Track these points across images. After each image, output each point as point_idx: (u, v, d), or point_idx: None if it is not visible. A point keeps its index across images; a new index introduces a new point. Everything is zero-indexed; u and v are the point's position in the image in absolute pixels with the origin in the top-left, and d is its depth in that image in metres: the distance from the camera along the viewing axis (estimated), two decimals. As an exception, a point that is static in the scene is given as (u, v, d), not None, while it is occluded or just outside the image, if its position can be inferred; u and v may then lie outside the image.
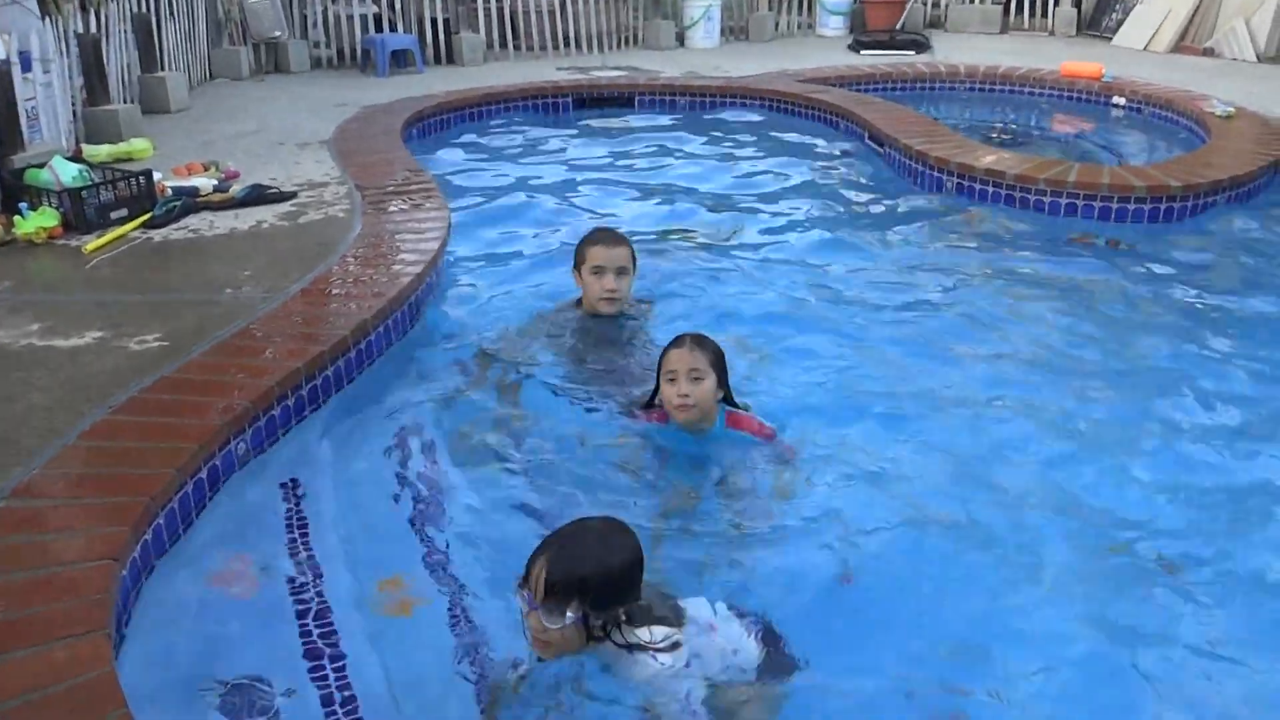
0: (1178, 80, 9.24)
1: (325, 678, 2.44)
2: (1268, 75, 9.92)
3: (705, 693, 2.26)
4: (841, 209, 6.37)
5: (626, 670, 2.24)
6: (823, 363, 4.14)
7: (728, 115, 8.78)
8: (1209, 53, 11.16)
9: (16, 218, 4.88)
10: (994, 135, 8.40)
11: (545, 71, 10.21)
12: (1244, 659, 2.59)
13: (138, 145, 6.59)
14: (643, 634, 2.23)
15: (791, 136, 8.08)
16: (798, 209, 6.34)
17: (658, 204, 6.41)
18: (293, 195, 5.64)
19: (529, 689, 2.36)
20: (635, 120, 8.62)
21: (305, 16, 10.76)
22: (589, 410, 3.63)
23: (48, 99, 6.28)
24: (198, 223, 5.18)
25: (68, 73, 6.83)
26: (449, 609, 2.75)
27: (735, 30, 12.86)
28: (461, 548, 2.99)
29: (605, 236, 4.02)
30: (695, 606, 2.45)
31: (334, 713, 2.35)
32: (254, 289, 4.20)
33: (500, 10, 11.42)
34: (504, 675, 2.44)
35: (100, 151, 6.33)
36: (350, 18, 10.80)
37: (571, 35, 11.66)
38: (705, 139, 8.02)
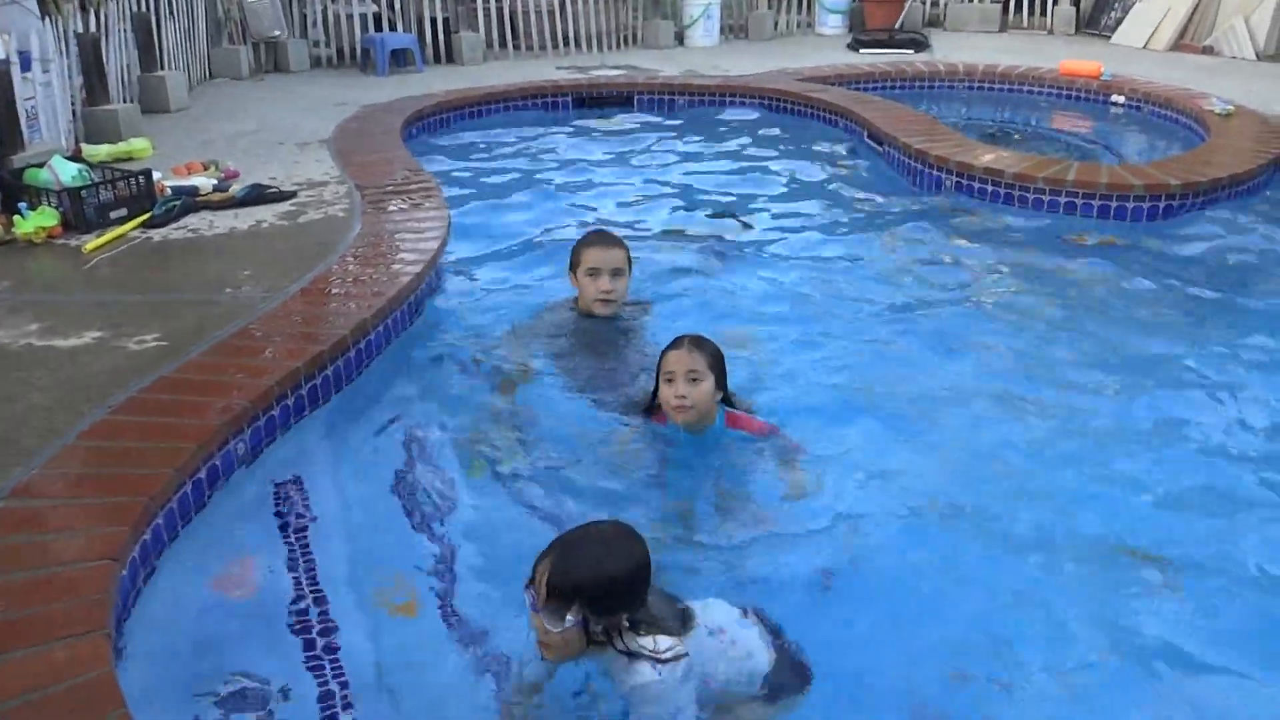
0: (1177, 78, 9.24)
1: (324, 677, 2.45)
2: (1267, 73, 9.92)
3: (696, 709, 2.25)
4: (840, 208, 6.37)
5: (624, 676, 2.23)
6: (822, 362, 4.14)
7: (727, 114, 8.77)
8: (1208, 51, 11.16)
9: (16, 217, 4.88)
10: (993, 134, 8.40)
11: (545, 71, 10.21)
12: (1246, 662, 2.58)
13: (137, 145, 6.59)
14: (646, 642, 2.22)
15: (790, 135, 8.08)
16: (797, 208, 6.34)
17: (656, 203, 6.41)
18: (292, 195, 5.64)
19: (544, 705, 2.36)
20: (634, 120, 8.62)
21: (305, 16, 10.76)
22: (587, 411, 3.63)
23: (47, 99, 6.28)
24: (197, 222, 5.18)
25: (67, 72, 6.83)
26: (449, 608, 2.75)
27: (734, 29, 12.86)
28: (461, 547, 3.00)
29: (601, 238, 4.02)
30: (713, 609, 2.44)
31: (333, 713, 2.35)
32: (253, 288, 4.21)
33: (500, 10, 11.42)
34: (517, 682, 2.43)
35: (100, 151, 6.33)
36: (350, 17, 10.80)
37: (571, 35, 11.66)
38: (704, 138, 8.02)
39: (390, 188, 5.75)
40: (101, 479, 2.80)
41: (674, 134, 8.10)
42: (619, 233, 4.47)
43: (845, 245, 5.65)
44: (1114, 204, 5.89)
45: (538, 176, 6.92)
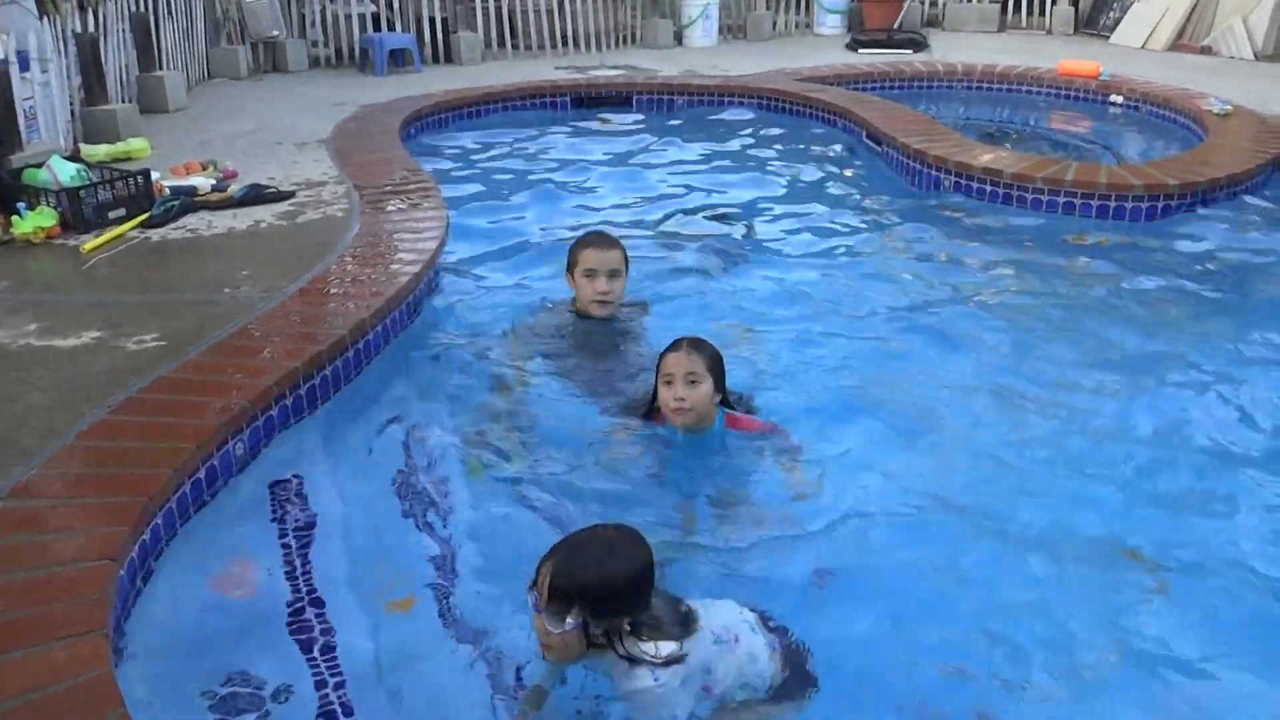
0: (1175, 78, 9.25)
1: (323, 677, 2.45)
2: (1265, 73, 9.93)
3: (694, 712, 2.25)
4: (839, 208, 6.37)
5: (623, 681, 2.23)
6: (822, 361, 4.15)
7: (726, 114, 8.77)
8: (1206, 51, 11.17)
9: (14, 217, 4.88)
10: (992, 134, 8.40)
11: (543, 71, 10.21)
12: (1245, 663, 2.58)
13: (136, 145, 6.59)
14: (647, 646, 2.21)
15: (789, 136, 8.08)
16: (795, 208, 6.34)
17: (655, 203, 6.41)
18: (291, 195, 5.64)
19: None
20: (633, 119, 8.62)
21: (303, 16, 10.75)
22: (585, 412, 3.63)
23: (45, 99, 6.28)
24: (196, 222, 5.18)
25: (65, 72, 6.83)
26: (448, 607, 2.75)
27: (733, 29, 12.86)
28: (460, 547, 3.00)
29: (597, 239, 4.02)
30: (720, 611, 2.43)
31: (331, 713, 2.36)
32: (252, 289, 4.20)
33: (498, 9, 11.41)
34: (526, 693, 2.43)
35: (98, 151, 6.33)
36: (348, 17, 10.80)
37: (570, 34, 11.65)
38: (703, 138, 8.02)
39: (389, 188, 5.75)
40: (101, 479, 2.80)
41: (673, 134, 8.10)
42: (617, 233, 4.47)
43: (843, 245, 5.66)
44: (1113, 204, 5.90)
45: (536, 176, 6.92)
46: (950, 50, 11.29)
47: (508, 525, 3.11)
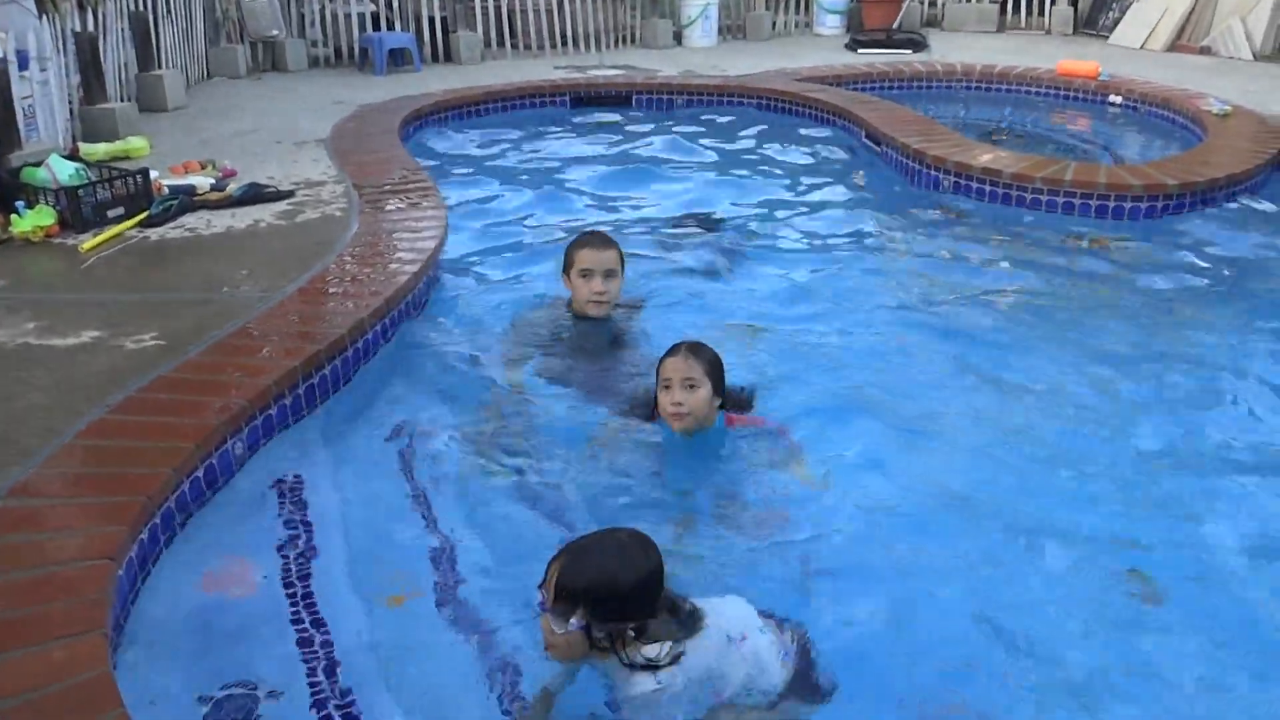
0: (1174, 79, 9.25)
1: (322, 675, 2.44)
2: (1264, 73, 9.93)
3: (701, 713, 2.24)
4: (838, 208, 6.37)
5: (624, 685, 2.23)
6: (821, 360, 4.15)
7: (725, 114, 8.77)
8: (1205, 51, 11.17)
9: (13, 216, 4.88)
10: (991, 134, 8.41)
11: (543, 70, 10.20)
12: (1244, 667, 2.58)
13: (135, 144, 6.59)
14: (649, 650, 2.21)
15: (788, 135, 8.08)
16: (794, 208, 6.34)
17: (653, 203, 6.41)
18: (290, 194, 5.63)
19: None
20: (632, 119, 8.62)
21: (303, 15, 10.74)
22: (581, 412, 3.63)
23: (44, 97, 6.28)
24: (195, 221, 5.17)
25: (65, 71, 6.82)
26: (447, 606, 2.75)
27: (732, 29, 12.85)
28: (459, 546, 3.00)
29: (593, 239, 4.01)
30: (732, 612, 2.41)
31: (329, 712, 2.35)
32: (251, 288, 4.20)
33: (498, 9, 11.41)
34: (538, 691, 2.43)
35: (97, 150, 6.33)
36: (348, 16, 10.79)
37: (569, 34, 11.65)
38: (702, 138, 8.01)
39: (388, 187, 5.75)
40: (100, 478, 2.80)
41: (672, 134, 8.09)
42: (615, 232, 4.47)
43: (842, 245, 5.66)
44: (1111, 204, 5.90)
45: (535, 176, 6.92)
46: (949, 50, 11.29)
47: (507, 524, 3.11)
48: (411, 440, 3.51)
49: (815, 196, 6.56)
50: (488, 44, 11.31)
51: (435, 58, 10.95)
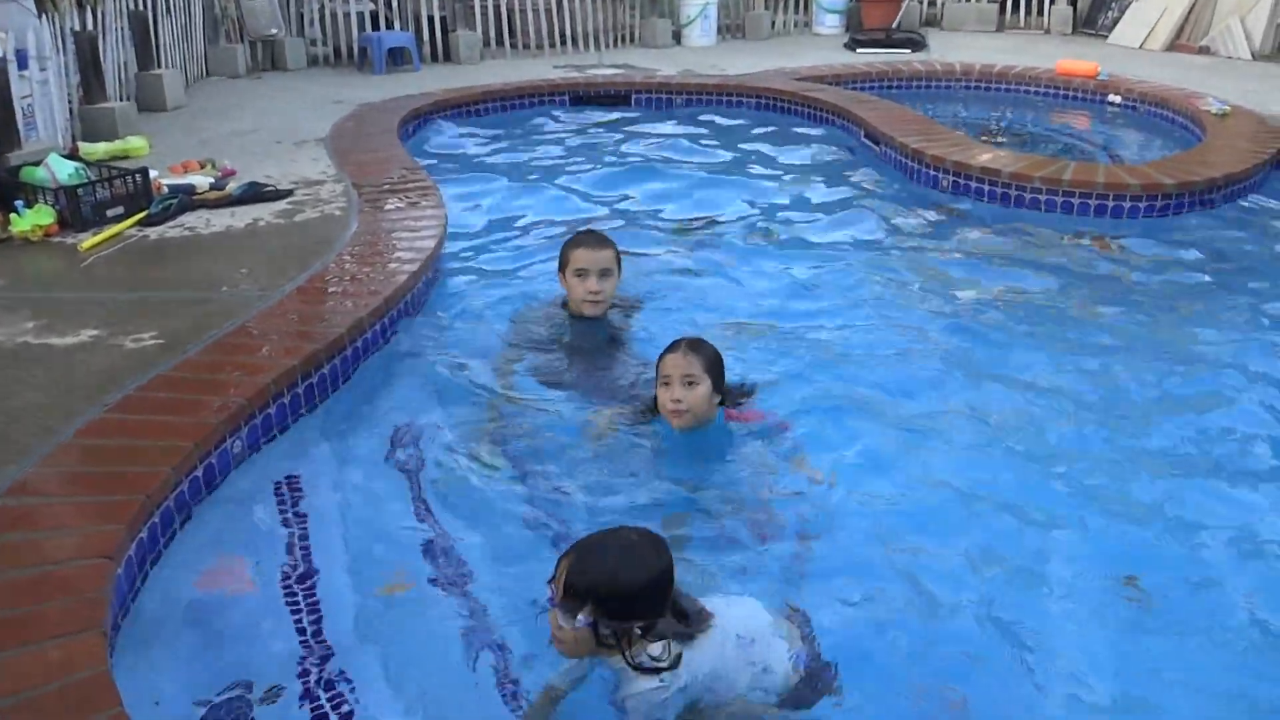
0: (1173, 78, 9.25)
1: (321, 675, 2.45)
2: (1263, 73, 9.93)
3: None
4: (837, 208, 6.36)
5: (626, 684, 2.23)
6: (819, 359, 4.15)
7: (724, 113, 8.77)
8: (1204, 51, 11.17)
9: (13, 215, 4.88)
10: (990, 134, 8.41)
11: (542, 70, 10.20)
12: (1248, 685, 2.57)
13: (134, 143, 6.59)
14: (654, 649, 2.21)
15: (787, 135, 8.08)
16: (793, 207, 6.34)
17: (652, 202, 6.40)
18: (289, 193, 5.64)
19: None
20: (631, 118, 8.62)
21: (302, 14, 10.74)
22: (579, 411, 3.63)
23: (44, 96, 6.27)
24: (194, 221, 5.17)
25: (64, 70, 6.82)
26: (447, 605, 2.75)
27: (732, 28, 12.85)
28: (457, 544, 3.00)
29: (589, 239, 4.00)
30: (742, 612, 2.41)
31: (326, 711, 2.36)
32: (250, 287, 4.20)
33: (497, 8, 11.41)
34: (539, 688, 2.43)
35: (96, 149, 6.33)
36: (347, 15, 10.78)
37: (568, 33, 11.65)
38: (701, 138, 8.02)
39: (387, 186, 5.75)
40: (98, 477, 2.80)
41: (671, 133, 8.10)
42: (613, 231, 4.47)
43: (841, 244, 5.65)
44: (1110, 203, 5.91)
45: (534, 175, 6.92)
46: (948, 50, 11.29)
47: (506, 522, 3.11)
48: (410, 439, 3.51)
49: (814, 196, 6.56)
50: (487, 43, 11.30)
51: (434, 57, 10.95)
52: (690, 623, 2.28)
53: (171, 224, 5.10)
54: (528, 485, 3.28)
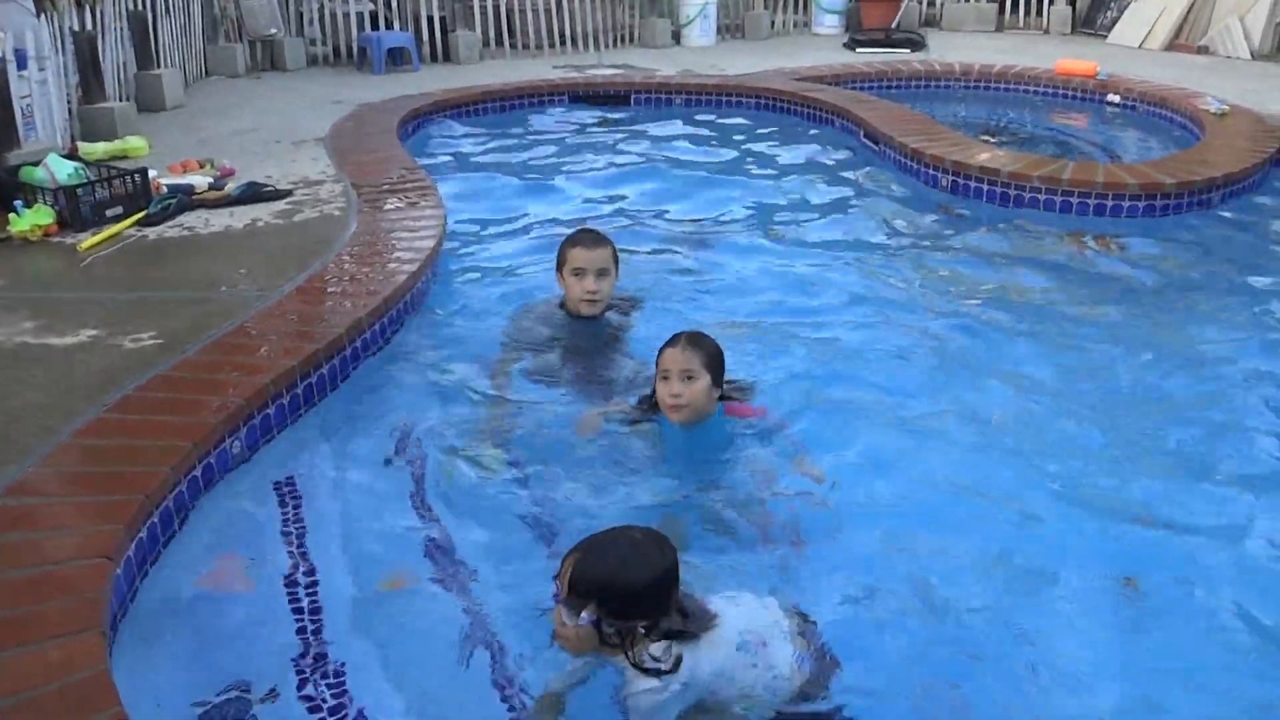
0: (1172, 78, 9.26)
1: (320, 674, 2.45)
2: (1262, 73, 9.93)
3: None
4: (836, 207, 6.37)
5: (628, 682, 2.23)
6: (818, 357, 4.15)
7: (723, 114, 8.77)
8: (1203, 50, 11.18)
9: (12, 215, 4.88)
10: (989, 133, 8.41)
11: (541, 70, 10.20)
12: (1249, 685, 2.57)
13: (133, 143, 6.59)
14: (655, 649, 2.21)
15: (787, 135, 8.08)
16: (792, 207, 6.34)
17: (651, 202, 6.40)
18: (288, 193, 5.64)
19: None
20: (631, 118, 8.62)
21: (301, 14, 10.74)
22: (577, 409, 3.63)
23: (43, 96, 6.27)
24: (193, 220, 5.17)
25: (63, 70, 6.82)
26: (447, 604, 2.75)
27: (731, 28, 12.86)
28: (456, 543, 3.00)
29: (586, 238, 3.99)
30: (751, 613, 2.40)
31: (326, 710, 2.36)
32: (249, 287, 4.20)
33: (497, 8, 11.41)
34: (539, 689, 2.43)
35: (96, 149, 6.33)
36: (346, 15, 10.78)
37: (568, 33, 11.65)
38: (701, 137, 8.02)
39: (386, 186, 5.75)
40: (97, 477, 2.80)
41: (670, 133, 8.10)
42: (612, 231, 4.47)
43: (840, 244, 5.65)
44: (1109, 203, 5.91)
45: (534, 175, 6.92)
46: (948, 50, 11.30)
47: (503, 519, 3.11)
48: (409, 439, 3.51)
49: (813, 196, 6.56)
50: (486, 43, 11.30)
51: (434, 57, 10.95)
52: (694, 623, 2.28)
53: (170, 224, 5.11)
54: (526, 484, 3.28)
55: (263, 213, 5.30)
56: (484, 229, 5.83)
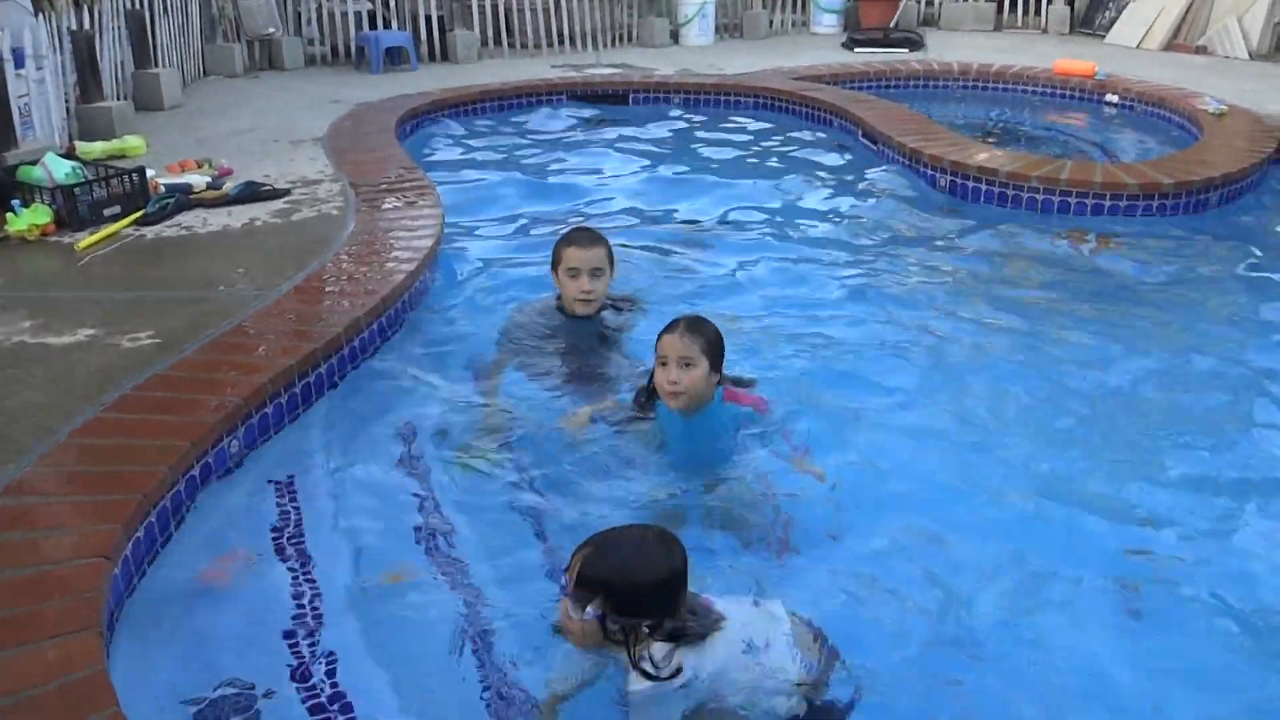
0: (1170, 78, 9.26)
1: (319, 674, 2.45)
2: (1260, 73, 9.94)
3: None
4: (835, 207, 6.37)
5: (629, 681, 2.23)
6: (817, 357, 4.15)
7: (722, 113, 8.78)
8: (1201, 50, 11.18)
9: (9, 215, 4.88)
10: (988, 133, 8.41)
11: (540, 69, 10.20)
12: (1249, 685, 2.57)
13: (131, 142, 6.58)
14: (656, 651, 2.21)
15: (785, 134, 8.08)
16: (791, 207, 6.34)
17: (650, 201, 6.40)
18: (286, 193, 5.63)
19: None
20: (629, 118, 8.61)
21: (299, 13, 10.74)
22: (574, 407, 3.63)
23: (41, 96, 6.27)
24: (191, 220, 5.17)
25: (61, 69, 6.81)
26: (445, 603, 2.74)
27: (729, 28, 12.86)
28: (455, 542, 3.00)
29: (581, 237, 3.98)
30: (758, 616, 2.39)
31: (325, 711, 2.35)
32: (247, 286, 4.20)
33: (495, 7, 11.40)
34: (540, 689, 2.43)
35: (93, 148, 6.32)
36: (344, 15, 10.78)
37: (566, 32, 11.65)
38: (699, 137, 8.02)
39: (384, 186, 5.74)
40: (95, 476, 2.79)
41: (668, 132, 8.10)
42: (610, 230, 4.47)
43: (838, 243, 5.65)
44: (1108, 203, 5.91)
45: (532, 174, 6.92)
46: (946, 49, 11.30)
47: (502, 518, 3.11)
48: (407, 438, 3.51)
49: (811, 195, 6.56)
50: (484, 43, 11.30)
51: (432, 56, 10.95)
52: (699, 623, 2.27)
53: (168, 223, 5.10)
54: (522, 481, 3.28)
55: (261, 212, 5.29)
56: (482, 228, 5.83)
